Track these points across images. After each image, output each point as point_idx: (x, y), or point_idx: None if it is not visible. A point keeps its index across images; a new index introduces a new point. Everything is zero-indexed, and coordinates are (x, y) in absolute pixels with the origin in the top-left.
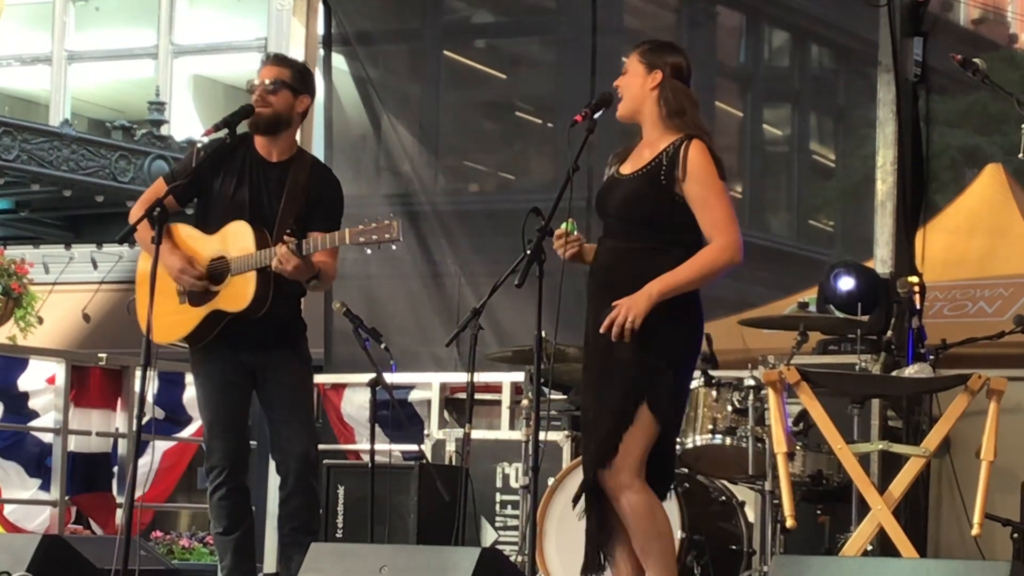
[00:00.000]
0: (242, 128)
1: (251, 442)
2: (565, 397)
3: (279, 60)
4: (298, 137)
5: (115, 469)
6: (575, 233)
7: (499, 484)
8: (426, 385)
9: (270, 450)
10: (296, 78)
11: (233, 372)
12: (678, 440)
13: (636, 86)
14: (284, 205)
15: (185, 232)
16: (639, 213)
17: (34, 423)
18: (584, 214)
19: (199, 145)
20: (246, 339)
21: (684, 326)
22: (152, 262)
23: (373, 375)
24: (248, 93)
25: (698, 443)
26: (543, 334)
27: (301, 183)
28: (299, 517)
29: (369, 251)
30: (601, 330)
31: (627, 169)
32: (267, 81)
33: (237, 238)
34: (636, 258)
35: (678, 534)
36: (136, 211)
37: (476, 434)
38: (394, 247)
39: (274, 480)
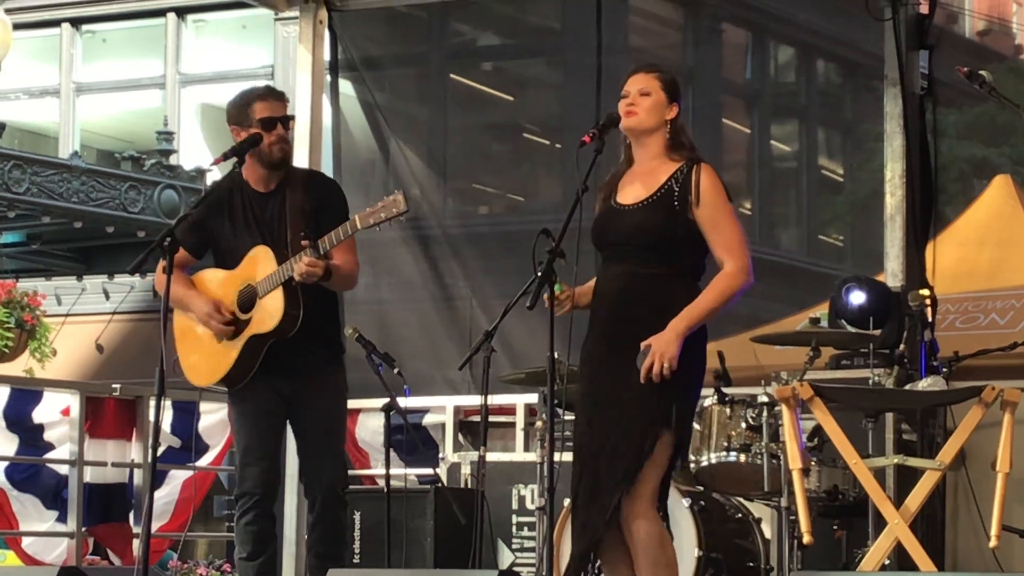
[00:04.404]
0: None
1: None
2: None
3: (280, 93)
4: (307, 162)
5: (132, 500)
6: (565, 291)
7: (515, 506)
8: (440, 408)
9: (299, 477)
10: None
11: (270, 401)
12: (693, 458)
13: (656, 110)
14: (290, 226)
15: (209, 276)
16: (654, 239)
17: (50, 455)
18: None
19: (210, 171)
20: (284, 363)
21: (698, 351)
22: (164, 290)
23: (387, 400)
24: (265, 129)
25: (713, 460)
26: (555, 355)
27: (299, 200)
28: (323, 544)
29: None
30: (642, 379)
31: (628, 199)
32: (284, 117)
33: (260, 262)
34: (651, 283)
35: (695, 552)
36: (158, 276)
37: (491, 456)
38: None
39: (291, 507)
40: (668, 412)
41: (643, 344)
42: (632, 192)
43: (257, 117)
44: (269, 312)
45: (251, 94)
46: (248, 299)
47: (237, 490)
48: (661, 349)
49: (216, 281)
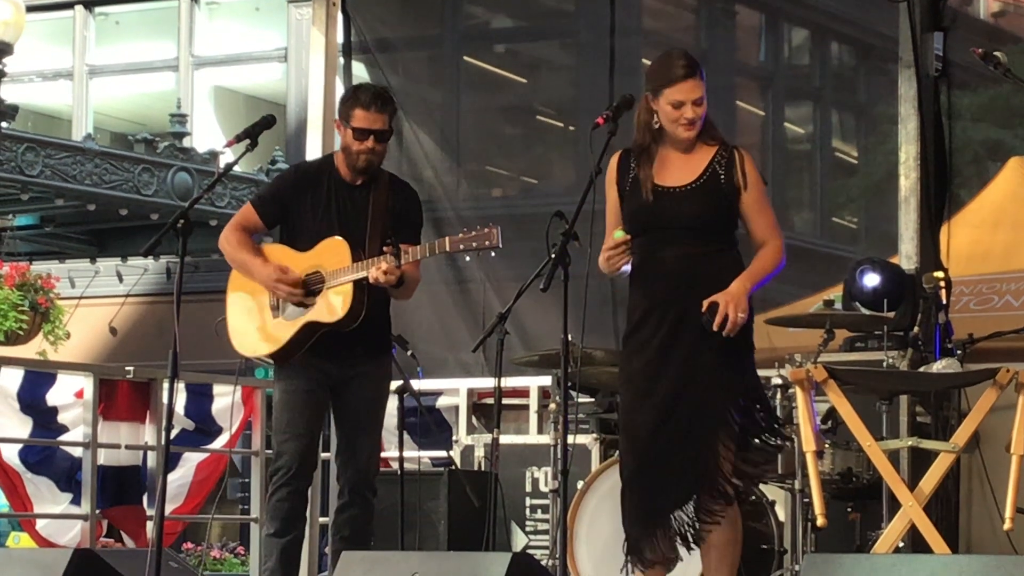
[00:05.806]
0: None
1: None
2: (593, 400)
3: (386, 104)
4: (319, 145)
5: (146, 483)
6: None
7: (528, 488)
8: (453, 391)
9: (335, 459)
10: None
11: (316, 382)
12: None
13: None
14: (371, 224)
15: (276, 251)
16: (706, 221)
17: (63, 437)
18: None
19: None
20: (334, 351)
21: (751, 324)
22: (177, 277)
23: (400, 382)
24: (357, 138)
25: None
26: (569, 337)
27: (383, 201)
28: (349, 527)
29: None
30: (714, 327)
31: (672, 181)
32: (379, 131)
33: (333, 253)
34: (707, 261)
35: None
36: (227, 234)
37: (504, 439)
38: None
39: (316, 491)
40: (741, 392)
41: (706, 302)
42: (673, 175)
43: (352, 125)
44: (334, 305)
45: (357, 99)
46: (313, 285)
47: (272, 465)
48: (731, 300)
49: (283, 257)
